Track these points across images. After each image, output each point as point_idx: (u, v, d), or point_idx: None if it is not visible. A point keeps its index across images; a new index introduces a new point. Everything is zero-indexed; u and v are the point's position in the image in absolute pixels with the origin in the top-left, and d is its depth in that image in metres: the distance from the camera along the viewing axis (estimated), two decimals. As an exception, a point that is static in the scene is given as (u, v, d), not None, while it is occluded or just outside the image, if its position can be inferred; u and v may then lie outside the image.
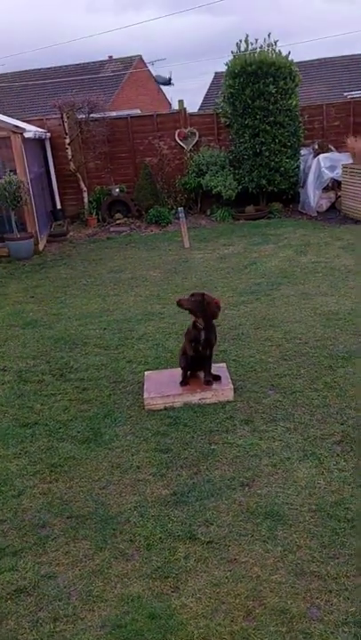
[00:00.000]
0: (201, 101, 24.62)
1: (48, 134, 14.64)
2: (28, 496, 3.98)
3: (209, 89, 25.45)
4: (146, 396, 5.07)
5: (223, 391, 5.05)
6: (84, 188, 14.78)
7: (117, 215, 14.62)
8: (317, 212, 13.56)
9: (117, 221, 14.43)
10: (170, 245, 11.90)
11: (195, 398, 5.03)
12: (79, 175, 14.71)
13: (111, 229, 14.02)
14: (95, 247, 12.54)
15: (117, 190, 14.62)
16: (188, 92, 45.34)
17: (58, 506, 3.84)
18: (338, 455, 4.13)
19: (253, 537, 3.39)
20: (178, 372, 5.32)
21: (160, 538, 3.45)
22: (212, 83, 25.46)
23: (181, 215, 11.70)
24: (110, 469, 4.20)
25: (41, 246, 12.41)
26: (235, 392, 5.07)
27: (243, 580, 3.08)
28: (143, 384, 5.33)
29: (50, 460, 4.37)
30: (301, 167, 13.98)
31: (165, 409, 4.97)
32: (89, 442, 4.59)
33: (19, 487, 4.08)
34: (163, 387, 5.16)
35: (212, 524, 3.52)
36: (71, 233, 13.97)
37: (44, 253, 12.21)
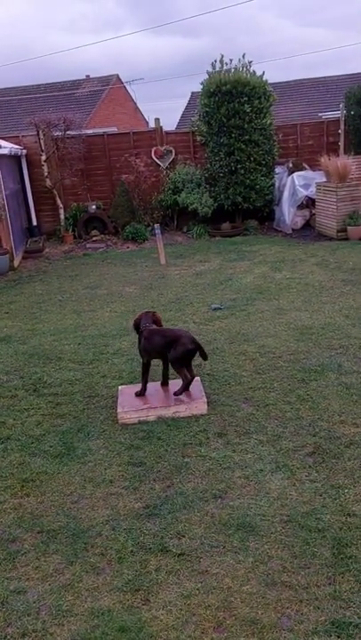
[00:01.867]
0: (178, 120, 24.91)
1: (24, 151, 14.65)
2: (-1, 511, 3.93)
3: (186, 108, 25.79)
4: (120, 410, 5.05)
5: (197, 405, 5.06)
6: (61, 205, 14.79)
7: (94, 232, 14.64)
8: (292, 229, 13.72)
9: (94, 238, 14.44)
10: (146, 262, 11.93)
11: (169, 412, 5.03)
12: (55, 192, 14.73)
13: (87, 246, 14.03)
14: (71, 263, 12.53)
15: (94, 207, 14.65)
16: (166, 111, 45.92)
17: (29, 521, 3.80)
18: (310, 467, 4.15)
19: (225, 548, 3.39)
20: (152, 386, 5.33)
21: (131, 551, 3.43)
22: (189, 102, 25.80)
23: (158, 232, 11.75)
24: (82, 483, 4.17)
25: (16, 262, 12.37)
26: (208, 405, 5.08)
27: (214, 592, 3.07)
28: (117, 398, 5.32)
29: (21, 475, 4.33)
30: (276, 185, 14.16)
31: (139, 423, 4.96)
32: (61, 456, 4.56)
33: (-11, 502, 4.03)
34: (137, 401, 5.16)
35: (183, 537, 3.51)
36: (47, 249, 13.94)
37: (19, 270, 12.16)
